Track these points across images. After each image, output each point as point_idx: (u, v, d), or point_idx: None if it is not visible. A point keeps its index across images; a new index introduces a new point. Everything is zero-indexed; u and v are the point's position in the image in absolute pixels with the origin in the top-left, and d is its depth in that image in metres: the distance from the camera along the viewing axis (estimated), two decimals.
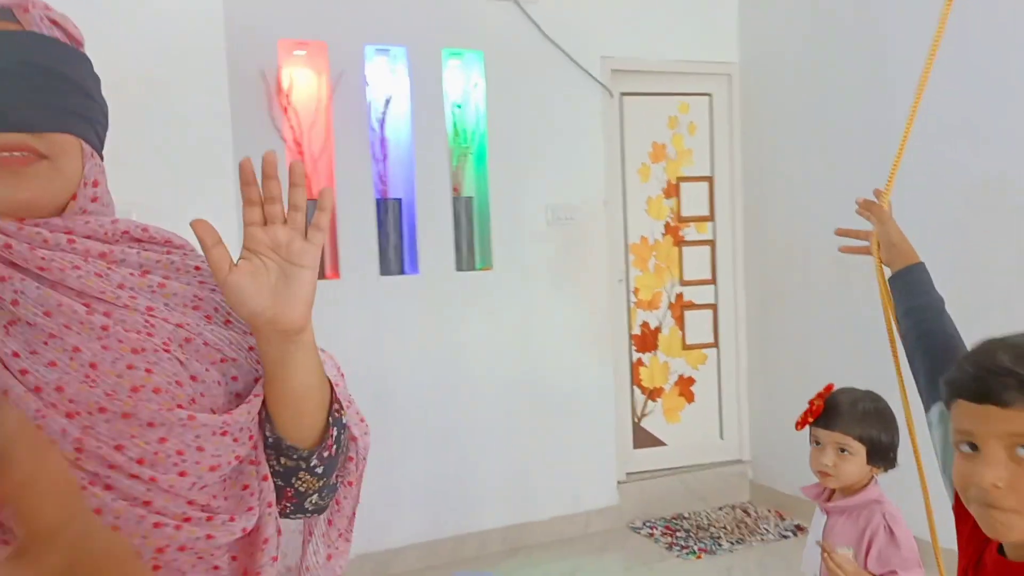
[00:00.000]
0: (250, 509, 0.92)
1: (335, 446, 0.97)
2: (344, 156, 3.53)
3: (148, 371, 0.87)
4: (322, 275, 3.53)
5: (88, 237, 0.90)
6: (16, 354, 0.83)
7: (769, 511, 4.11)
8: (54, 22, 0.92)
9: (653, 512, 4.13)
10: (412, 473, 3.67)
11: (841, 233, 1.76)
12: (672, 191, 4.24)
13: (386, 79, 3.67)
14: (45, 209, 0.89)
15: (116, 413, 0.84)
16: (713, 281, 4.33)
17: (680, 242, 4.27)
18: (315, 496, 0.99)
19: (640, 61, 4.09)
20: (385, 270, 3.63)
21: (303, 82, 3.54)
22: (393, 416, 3.60)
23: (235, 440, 0.91)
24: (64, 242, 0.88)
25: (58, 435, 0.82)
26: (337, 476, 1.01)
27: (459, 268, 3.76)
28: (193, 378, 0.91)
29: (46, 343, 0.85)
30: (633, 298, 4.19)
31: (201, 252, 0.91)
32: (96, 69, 0.97)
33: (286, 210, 0.92)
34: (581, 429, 3.99)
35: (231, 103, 3.14)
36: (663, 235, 4.23)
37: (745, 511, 4.15)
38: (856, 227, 1.74)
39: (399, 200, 3.67)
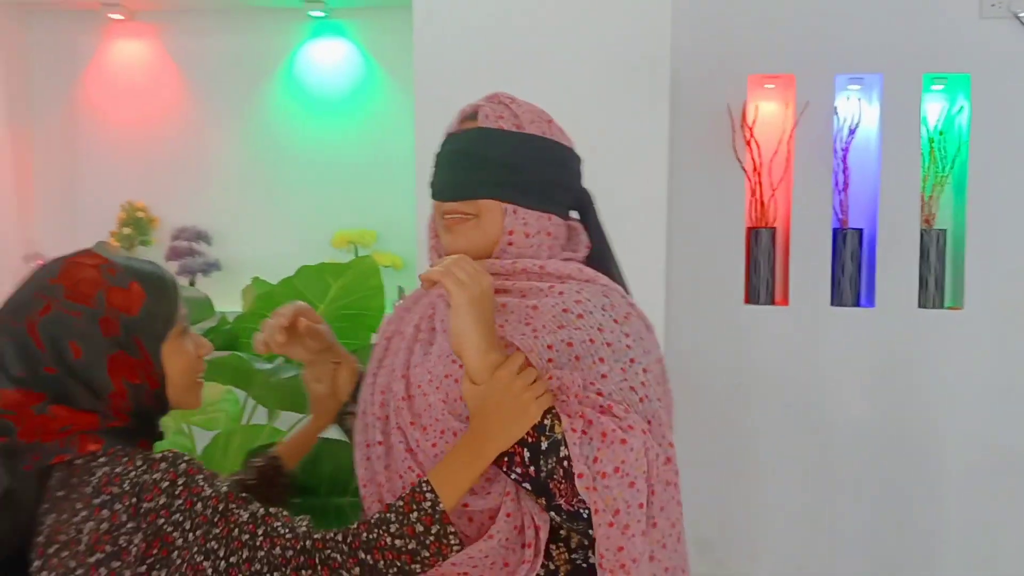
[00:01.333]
0: (507, 494, 1.19)
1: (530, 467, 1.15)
2: (803, 185, 3.57)
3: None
4: (771, 301, 3.63)
5: (493, 274, 1.27)
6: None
7: None
8: (513, 113, 1.32)
9: None
10: (847, 521, 3.55)
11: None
12: None
13: (854, 107, 3.62)
14: (476, 253, 1.28)
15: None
16: None
17: None
18: (553, 513, 1.17)
19: None
20: (837, 301, 3.57)
21: (768, 114, 3.67)
22: (828, 454, 3.54)
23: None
24: None
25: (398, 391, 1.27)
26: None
27: (922, 304, 3.53)
28: None
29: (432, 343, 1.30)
30: None
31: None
32: (547, 107, 1.37)
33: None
34: None
35: (694, 138, 3.45)
36: None
37: None
38: None
39: (859, 230, 3.59)
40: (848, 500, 3.54)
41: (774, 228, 3.64)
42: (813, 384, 3.55)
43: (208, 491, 1.12)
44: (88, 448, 1.13)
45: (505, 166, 1.28)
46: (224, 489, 1.14)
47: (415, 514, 1.13)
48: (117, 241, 3.46)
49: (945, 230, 3.58)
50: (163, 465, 1.11)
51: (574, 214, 1.43)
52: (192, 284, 3.41)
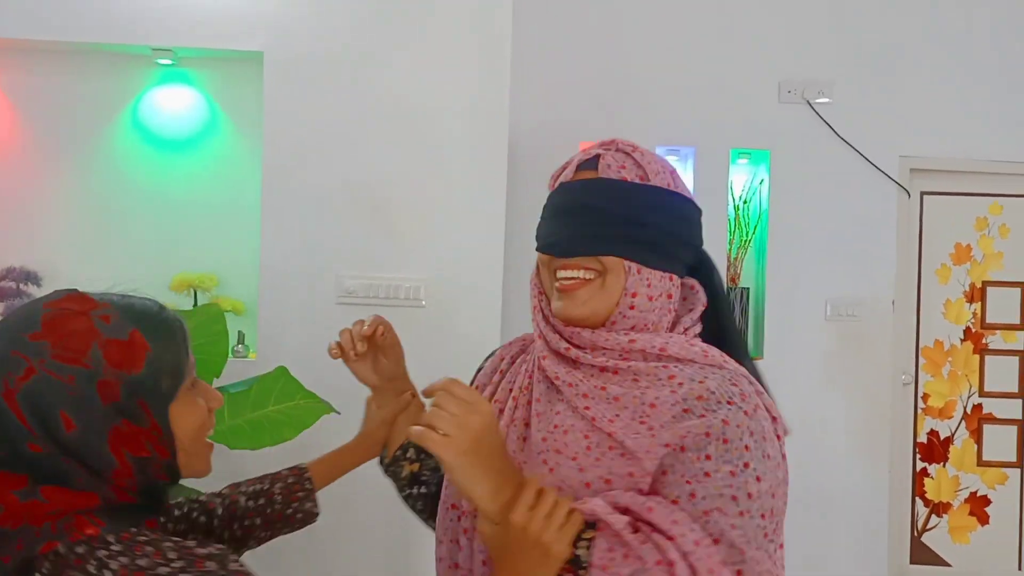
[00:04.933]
0: None
1: None
2: None
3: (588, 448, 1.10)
4: None
5: (603, 349, 1.13)
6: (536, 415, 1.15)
7: None
8: (637, 163, 1.16)
9: None
10: None
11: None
12: (976, 295, 3.99)
13: None
14: (595, 320, 1.14)
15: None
16: (1022, 395, 3.96)
17: (982, 350, 3.98)
18: None
19: (945, 160, 3.96)
20: None
21: None
22: None
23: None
24: (579, 356, 1.13)
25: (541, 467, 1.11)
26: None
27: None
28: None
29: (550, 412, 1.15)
30: (922, 404, 3.98)
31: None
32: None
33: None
34: (847, 534, 3.87)
35: (529, 203, 3.68)
36: (961, 341, 3.99)
37: None
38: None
39: None
40: None
41: None
42: None
43: None
44: (86, 532, 0.90)
45: (629, 221, 1.13)
46: None
47: None
48: None
49: (748, 288, 3.98)
50: (210, 565, 0.88)
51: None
52: None
